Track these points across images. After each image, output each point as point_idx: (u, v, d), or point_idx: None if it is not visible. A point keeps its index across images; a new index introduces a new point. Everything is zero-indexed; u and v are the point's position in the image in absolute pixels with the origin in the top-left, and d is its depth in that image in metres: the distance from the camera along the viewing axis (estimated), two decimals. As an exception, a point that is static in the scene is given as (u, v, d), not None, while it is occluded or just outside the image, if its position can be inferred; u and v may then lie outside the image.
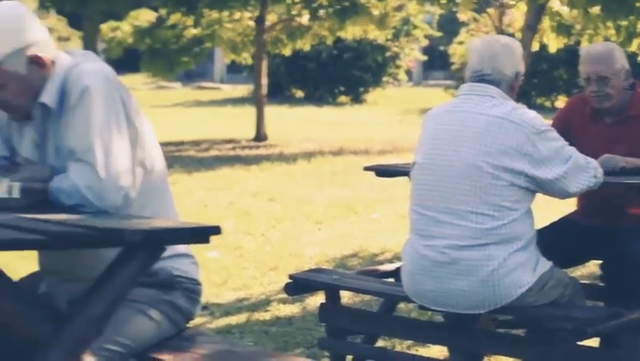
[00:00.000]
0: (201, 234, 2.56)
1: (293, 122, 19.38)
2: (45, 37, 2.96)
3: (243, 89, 28.00)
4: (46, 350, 2.42)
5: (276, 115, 19.21)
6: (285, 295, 4.56)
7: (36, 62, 2.91)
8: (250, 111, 17.60)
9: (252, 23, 16.41)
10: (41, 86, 2.93)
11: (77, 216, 2.68)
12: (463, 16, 18.14)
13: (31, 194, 2.82)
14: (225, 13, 16.17)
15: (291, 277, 4.16)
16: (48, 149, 2.96)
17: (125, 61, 18.32)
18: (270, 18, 16.50)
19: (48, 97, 2.92)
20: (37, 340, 2.43)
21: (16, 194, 2.78)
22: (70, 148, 2.86)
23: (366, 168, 4.60)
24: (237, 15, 16.30)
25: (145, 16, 17.56)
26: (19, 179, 2.85)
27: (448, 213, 3.52)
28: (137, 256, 2.50)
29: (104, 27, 17.32)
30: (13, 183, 2.80)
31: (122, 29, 17.37)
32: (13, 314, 2.40)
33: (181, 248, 3.03)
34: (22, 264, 5.46)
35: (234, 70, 31.80)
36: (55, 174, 2.87)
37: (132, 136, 2.92)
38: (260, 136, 16.17)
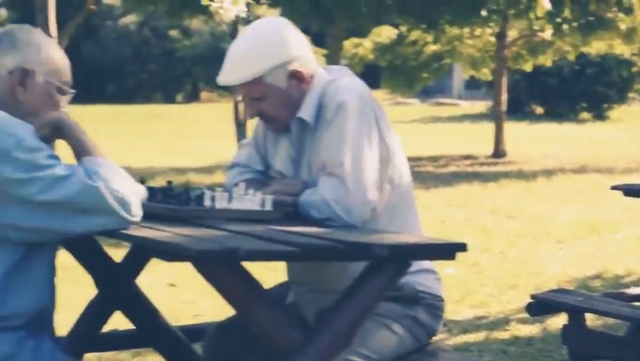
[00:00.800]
0: (447, 250, 2.55)
1: (532, 139, 19.06)
2: (307, 53, 3.03)
3: (480, 105, 27.80)
4: (294, 358, 2.49)
5: (515, 131, 18.95)
6: (524, 315, 4.49)
7: (296, 77, 2.99)
8: (488, 127, 17.45)
9: (492, 39, 16.28)
10: (300, 100, 3.01)
11: (326, 229, 2.73)
12: None
13: (282, 207, 2.92)
14: (466, 30, 16.12)
15: (532, 296, 4.09)
16: (302, 163, 3.04)
17: (365, 77, 18.62)
18: (512, 34, 16.32)
19: (306, 112, 3.00)
20: (286, 348, 2.49)
21: (268, 207, 2.88)
22: (322, 162, 2.92)
23: (614, 188, 4.46)
24: (478, 31, 16.21)
25: (386, 33, 17.80)
26: (272, 192, 2.94)
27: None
28: (383, 271, 2.53)
29: (347, 44, 17.69)
30: (266, 197, 2.89)
31: (363, 46, 17.68)
32: (265, 321, 2.47)
33: (426, 264, 3.03)
34: (268, 274, 5.65)
35: (472, 86, 31.66)
36: (307, 187, 2.96)
37: (382, 152, 2.95)
38: (498, 152, 16.01)
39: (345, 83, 2.98)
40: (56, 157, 2.50)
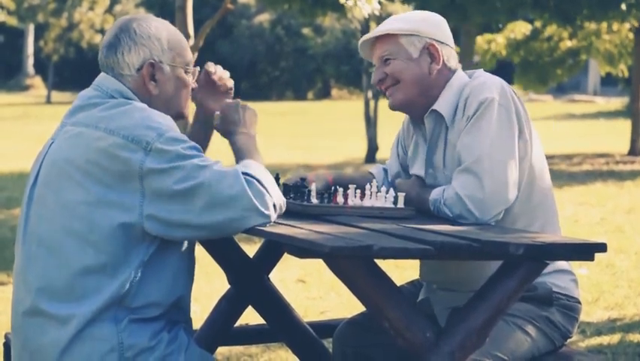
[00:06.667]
0: (586, 251, 2.49)
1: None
2: (450, 49, 3.04)
3: (616, 102, 27.11)
4: (427, 357, 2.47)
5: (653, 129, 18.36)
6: (663, 318, 4.36)
7: (430, 53, 2.98)
8: (625, 125, 17.03)
9: (630, 35, 15.87)
10: (432, 86, 2.99)
11: (459, 227, 2.71)
12: None
13: (414, 204, 2.91)
14: (604, 25, 15.75)
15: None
16: (436, 159, 3.02)
17: (497, 73, 18.42)
18: (651, 28, 15.88)
19: (442, 106, 2.97)
20: (419, 346, 2.48)
21: (401, 204, 2.88)
22: (459, 158, 2.90)
23: None
24: (616, 26, 15.82)
25: (520, 29, 17.53)
26: (404, 190, 2.94)
27: None
28: (518, 270, 2.49)
29: (480, 40, 17.49)
30: (399, 194, 2.89)
31: (496, 42, 17.47)
32: (397, 319, 2.46)
33: (561, 264, 2.97)
34: (395, 272, 5.64)
35: (608, 82, 30.91)
36: (440, 184, 2.94)
37: (522, 152, 2.90)
38: (635, 150, 15.60)
39: (489, 80, 2.94)
40: (197, 148, 2.52)
